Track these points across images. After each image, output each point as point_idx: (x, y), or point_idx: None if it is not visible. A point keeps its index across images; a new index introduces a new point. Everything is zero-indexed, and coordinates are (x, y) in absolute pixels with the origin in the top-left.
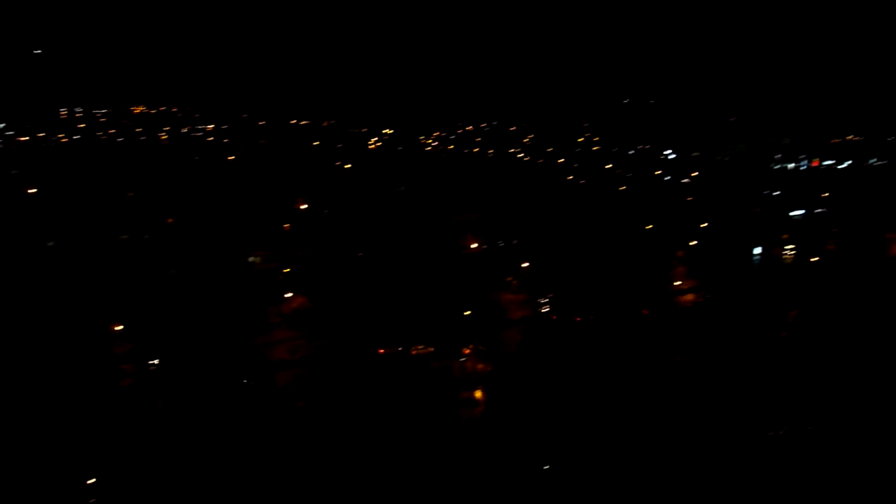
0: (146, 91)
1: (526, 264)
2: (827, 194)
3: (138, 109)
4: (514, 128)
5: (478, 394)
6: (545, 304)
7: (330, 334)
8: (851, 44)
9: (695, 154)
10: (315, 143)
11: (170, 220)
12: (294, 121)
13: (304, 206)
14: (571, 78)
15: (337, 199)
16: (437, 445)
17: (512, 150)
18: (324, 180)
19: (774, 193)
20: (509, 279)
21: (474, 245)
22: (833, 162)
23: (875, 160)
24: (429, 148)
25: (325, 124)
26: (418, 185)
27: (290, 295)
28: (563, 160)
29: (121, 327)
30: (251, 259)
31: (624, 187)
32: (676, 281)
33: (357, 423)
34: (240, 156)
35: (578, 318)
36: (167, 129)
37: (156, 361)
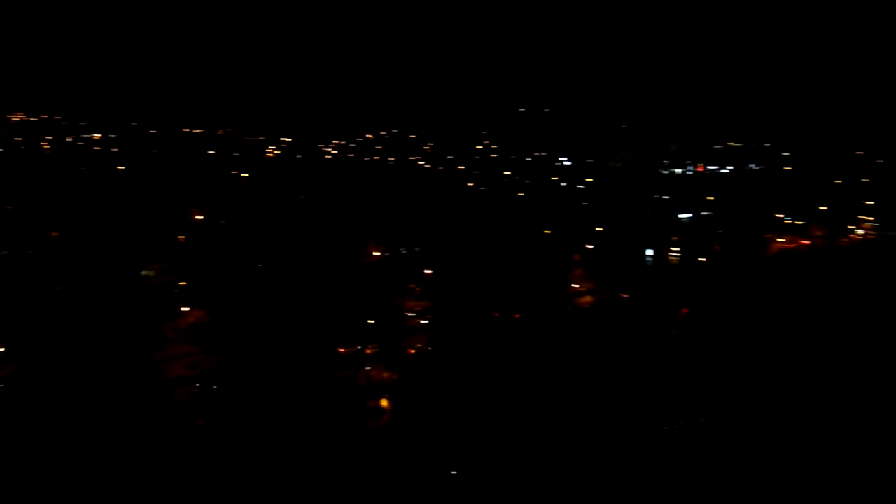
0: (25, 98)
1: (429, 271)
2: (712, 198)
3: (17, 117)
4: (414, 136)
5: (384, 403)
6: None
7: (230, 348)
8: (731, 54)
9: (588, 160)
10: (210, 152)
11: (54, 234)
12: (187, 129)
13: (200, 217)
14: (469, 86)
15: (234, 209)
16: (341, 458)
17: (412, 158)
18: (220, 190)
19: (664, 197)
20: (412, 286)
21: (377, 253)
22: (716, 167)
23: (754, 165)
24: (328, 156)
25: (219, 132)
26: (318, 194)
27: (186, 309)
28: (462, 167)
29: (2, 350)
30: (144, 273)
31: (522, 193)
32: (575, 283)
33: (260, 440)
34: (130, 165)
35: (481, 321)
36: (50, 137)
37: (42, 384)
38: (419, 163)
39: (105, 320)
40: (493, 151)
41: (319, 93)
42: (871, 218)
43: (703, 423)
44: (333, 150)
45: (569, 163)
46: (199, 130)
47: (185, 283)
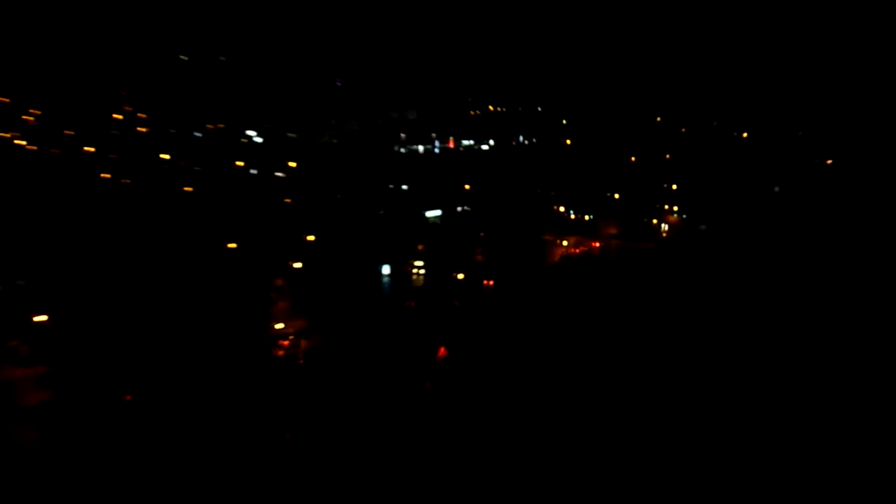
0: None
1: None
2: (469, 186)
3: None
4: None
5: None
6: None
7: None
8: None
9: (290, 135)
10: None
11: None
12: None
13: None
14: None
15: None
16: None
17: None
18: None
19: (402, 187)
20: None
21: None
22: (472, 141)
23: (523, 137)
24: None
25: None
26: None
27: None
28: (93, 149)
29: None
30: None
31: (191, 188)
32: (278, 323)
33: None
34: None
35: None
36: None
37: None
38: (16, 142)
39: None
40: (140, 123)
41: None
42: (676, 208)
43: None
44: None
45: (259, 139)
46: None
47: None
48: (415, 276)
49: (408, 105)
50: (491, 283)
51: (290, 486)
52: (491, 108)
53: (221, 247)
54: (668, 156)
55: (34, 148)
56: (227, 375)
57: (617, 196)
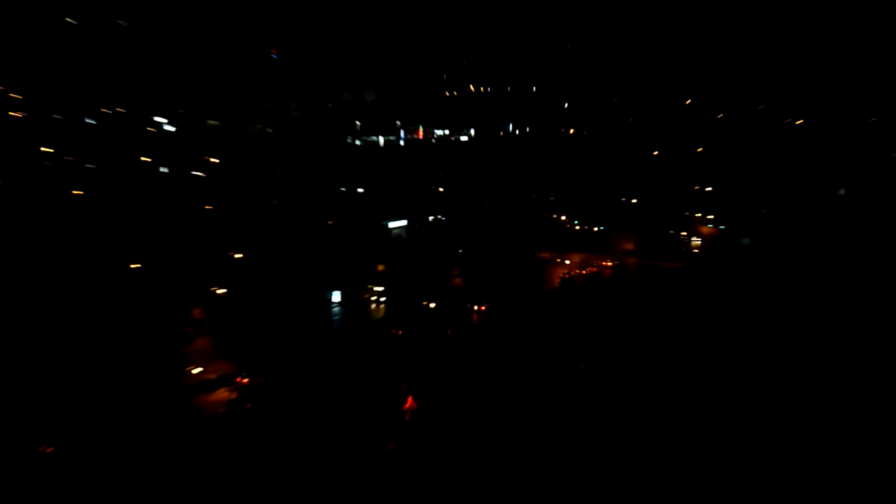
0: None
1: None
2: (442, 188)
3: None
4: None
5: None
6: None
7: None
8: None
9: (212, 122)
10: None
11: None
12: None
13: None
14: None
15: None
16: None
17: None
18: None
19: (358, 190)
20: None
21: None
22: (447, 131)
23: (512, 126)
24: None
25: None
26: None
27: None
28: None
29: None
30: None
31: (80, 191)
32: (195, 367)
33: None
34: None
35: None
36: None
37: None
38: None
39: None
40: (14, 106)
41: None
42: (711, 217)
43: None
44: None
45: (171, 127)
46: None
47: None
48: (373, 306)
49: (364, 84)
50: (483, 307)
51: None
52: (472, 87)
53: (122, 267)
54: (700, 149)
55: None
56: (125, 435)
57: (634, 201)
